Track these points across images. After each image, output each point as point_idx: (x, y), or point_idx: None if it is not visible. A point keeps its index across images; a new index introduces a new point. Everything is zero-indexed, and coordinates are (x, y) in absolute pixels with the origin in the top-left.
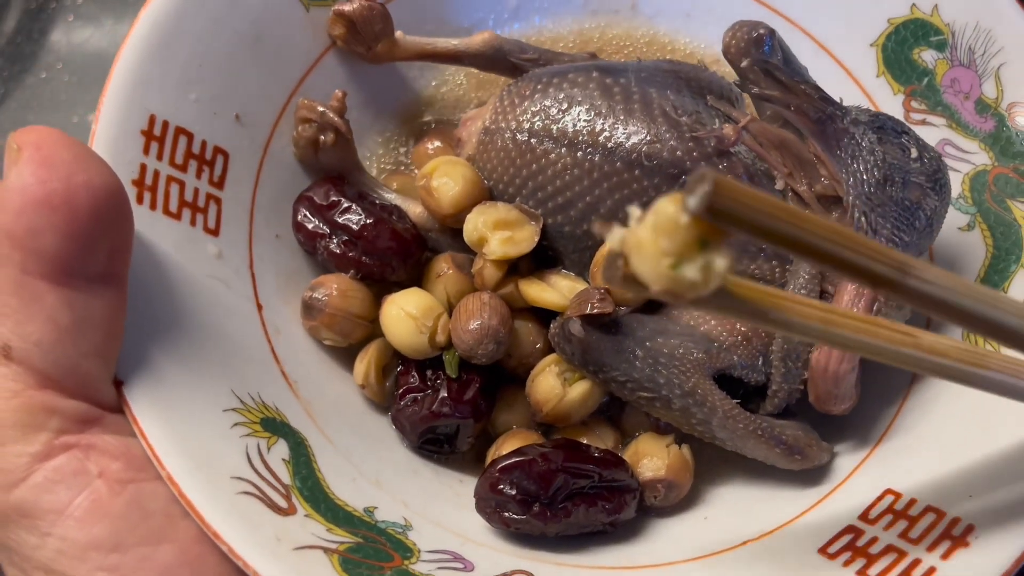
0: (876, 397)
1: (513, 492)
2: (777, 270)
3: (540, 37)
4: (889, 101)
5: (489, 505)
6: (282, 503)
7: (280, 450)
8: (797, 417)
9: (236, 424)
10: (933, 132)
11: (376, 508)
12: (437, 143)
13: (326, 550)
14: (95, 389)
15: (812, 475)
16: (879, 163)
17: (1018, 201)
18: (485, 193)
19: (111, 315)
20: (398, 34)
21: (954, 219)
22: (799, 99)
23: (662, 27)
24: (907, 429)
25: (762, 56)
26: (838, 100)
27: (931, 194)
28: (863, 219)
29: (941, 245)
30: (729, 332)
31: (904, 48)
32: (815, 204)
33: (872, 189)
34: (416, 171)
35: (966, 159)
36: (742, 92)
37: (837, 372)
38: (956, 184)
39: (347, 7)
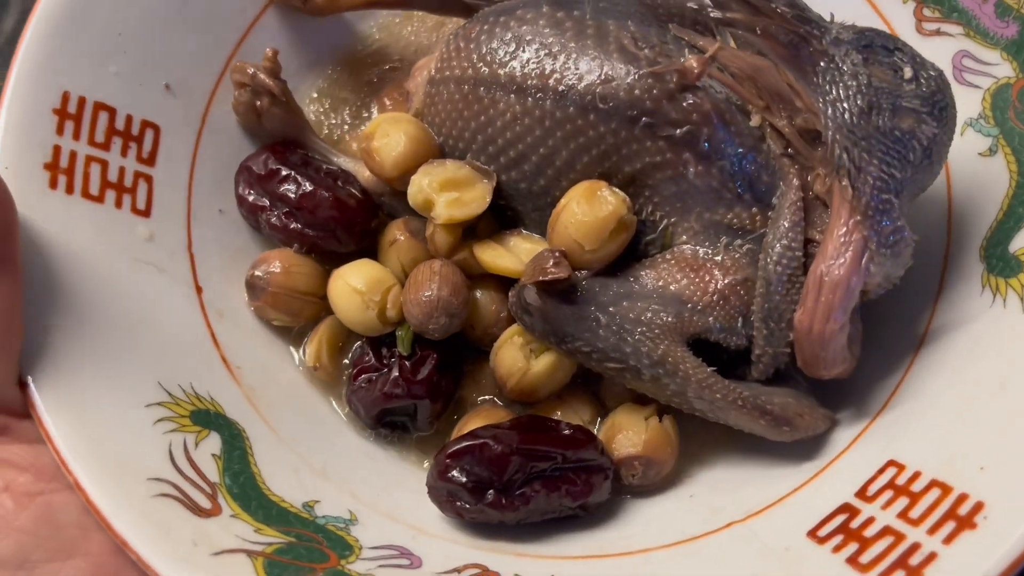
0: (881, 359)
1: (464, 479)
2: (758, 217)
3: None
4: (897, 9)
5: (441, 494)
6: (205, 503)
7: (210, 445)
8: (793, 382)
9: (160, 420)
10: (948, 43)
11: (318, 502)
12: (394, 98)
13: (250, 553)
14: None
15: (810, 446)
16: (863, 88)
17: None
18: (434, 151)
19: (4, 307)
20: None
21: (974, 143)
22: (769, 19)
23: None
24: (915, 393)
25: None
26: (828, 16)
27: (928, 120)
28: (844, 155)
29: (960, 173)
30: (703, 292)
31: None
32: (797, 141)
33: (855, 119)
34: None
35: (987, 72)
36: None
37: (823, 333)
38: (976, 102)
39: None
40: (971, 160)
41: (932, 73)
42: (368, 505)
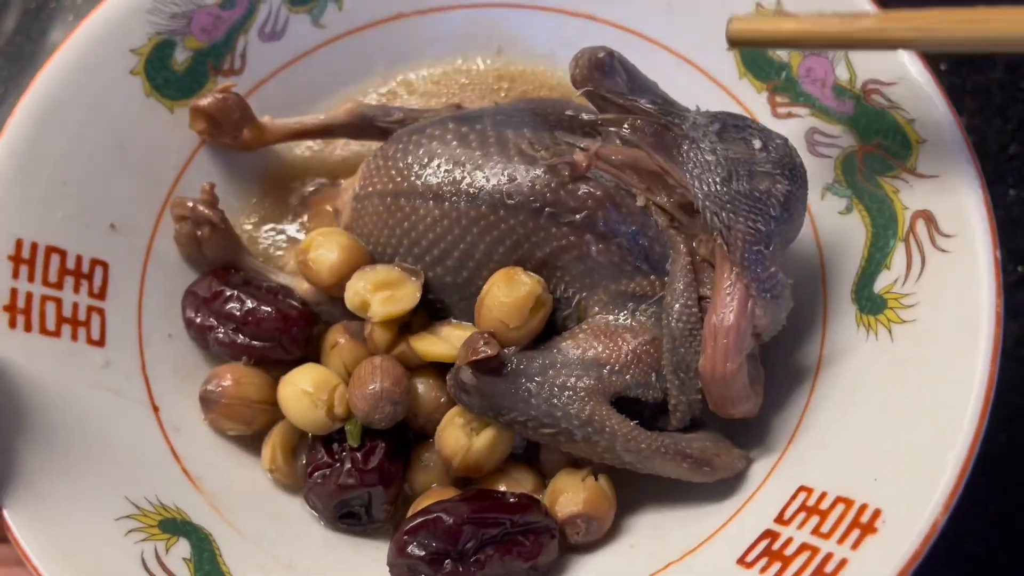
0: (782, 397)
1: (422, 553)
2: (656, 283)
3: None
4: (754, 99)
5: (402, 570)
6: None
7: (180, 550)
8: (708, 429)
9: (131, 531)
10: (800, 123)
11: None
12: (324, 210)
13: None
14: None
15: (730, 484)
16: (721, 161)
17: (887, 177)
18: (365, 257)
19: None
20: (265, 119)
21: (833, 204)
22: (635, 115)
23: (528, 67)
24: (814, 424)
25: (602, 79)
26: (694, 107)
27: (780, 179)
28: (715, 219)
29: (825, 231)
30: (617, 354)
31: None
32: (678, 213)
33: (718, 188)
34: None
35: (834, 143)
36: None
37: (724, 373)
38: (829, 169)
39: (202, 102)
40: (833, 218)
41: (778, 141)
42: None
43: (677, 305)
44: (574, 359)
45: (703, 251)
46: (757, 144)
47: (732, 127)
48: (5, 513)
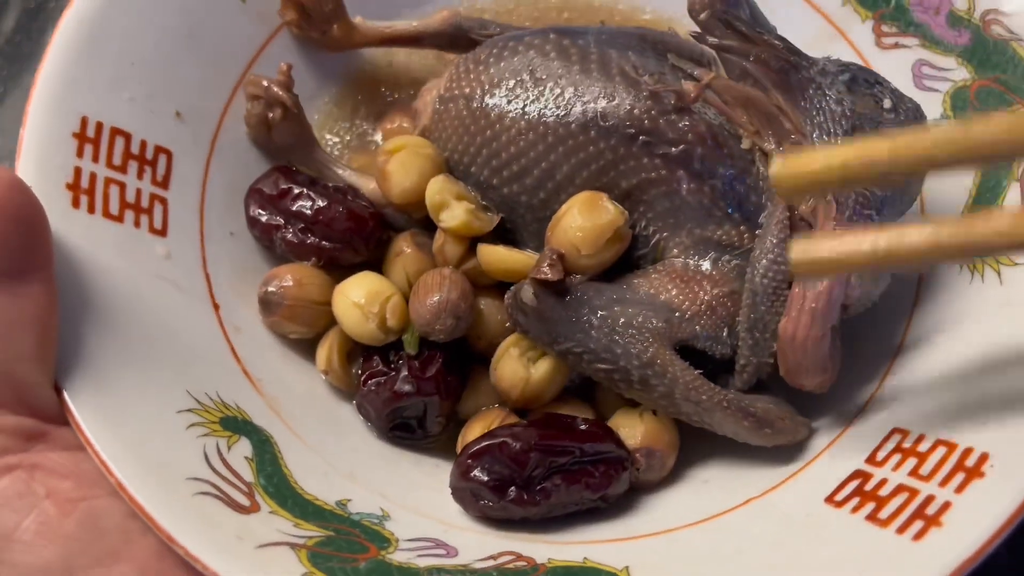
0: (874, 334)
1: (486, 478)
2: (745, 235)
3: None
4: (858, 29)
5: (464, 494)
6: (244, 501)
7: (242, 448)
8: (771, 394)
9: (192, 424)
10: (907, 54)
11: (350, 501)
12: (400, 122)
13: (293, 545)
14: (34, 395)
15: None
16: (847, 113)
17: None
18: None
19: (41, 313)
20: (357, 19)
21: None
22: (760, 48)
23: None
24: (909, 365)
25: (724, 8)
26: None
27: None
28: None
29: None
30: (691, 301)
31: None
32: None
33: (840, 140)
34: None
35: (945, 76)
36: (712, 52)
37: (806, 340)
38: (937, 104)
39: None
40: None
41: (910, 105)
42: (397, 504)
43: (765, 260)
44: (644, 298)
45: (804, 209)
46: (887, 103)
47: (863, 81)
48: (66, 397)
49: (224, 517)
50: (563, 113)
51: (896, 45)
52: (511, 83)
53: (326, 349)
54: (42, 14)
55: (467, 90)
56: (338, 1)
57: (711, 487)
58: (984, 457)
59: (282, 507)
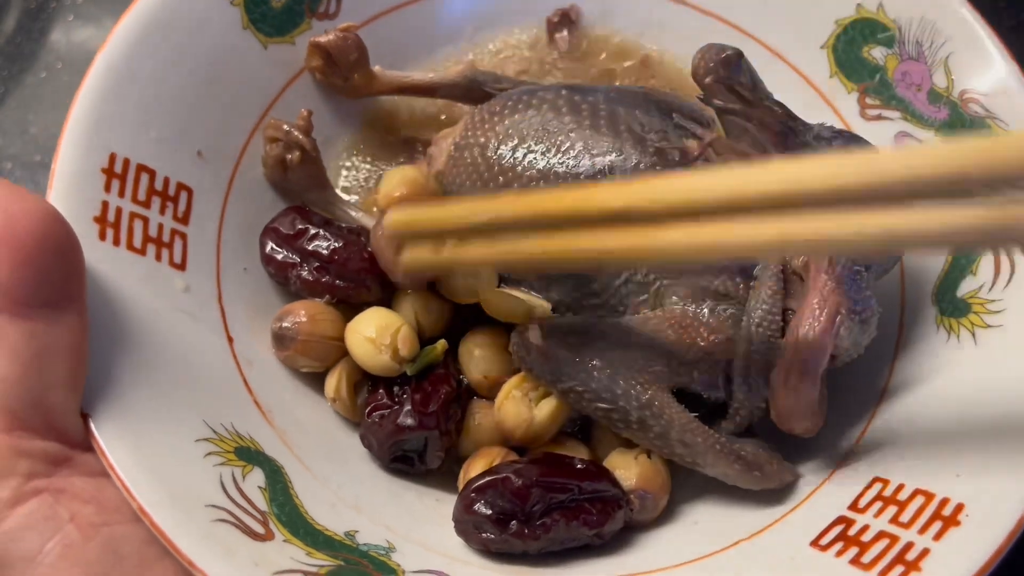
0: (857, 386)
1: (488, 512)
2: (741, 287)
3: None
4: (844, 100)
5: (467, 527)
6: (259, 529)
7: (255, 478)
8: (759, 438)
9: (209, 453)
10: (889, 126)
11: (357, 532)
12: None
13: (307, 574)
14: (62, 421)
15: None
16: None
17: None
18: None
19: (74, 342)
20: (376, 68)
21: None
22: (761, 112)
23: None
24: (889, 418)
25: (728, 75)
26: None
27: None
28: None
29: None
30: (689, 347)
31: (854, 47)
32: None
33: None
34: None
35: None
36: (714, 114)
37: (798, 386)
38: None
39: (323, 38)
40: None
41: None
42: (402, 536)
43: (760, 310)
44: (644, 342)
45: (797, 264)
46: None
47: (855, 147)
48: (91, 424)
49: (241, 544)
50: (573, 164)
51: (880, 117)
52: (524, 134)
53: (335, 378)
54: (43, 14)
55: (482, 139)
56: (362, 50)
57: (701, 528)
58: (960, 507)
59: (295, 536)
